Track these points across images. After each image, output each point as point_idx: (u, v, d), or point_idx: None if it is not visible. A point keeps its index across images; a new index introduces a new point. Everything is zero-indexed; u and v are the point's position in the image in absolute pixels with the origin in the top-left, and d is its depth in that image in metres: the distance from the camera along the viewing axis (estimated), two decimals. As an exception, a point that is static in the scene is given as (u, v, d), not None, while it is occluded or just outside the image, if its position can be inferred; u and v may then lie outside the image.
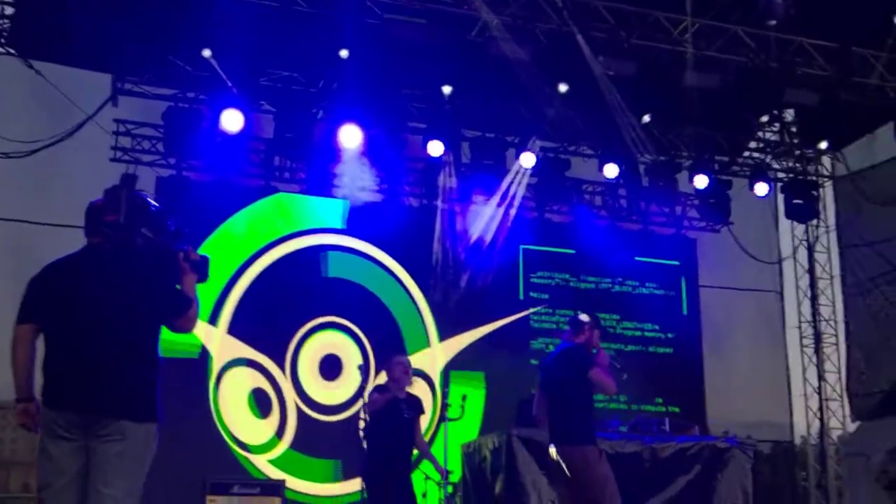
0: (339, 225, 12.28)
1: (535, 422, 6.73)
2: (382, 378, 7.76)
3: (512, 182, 12.61)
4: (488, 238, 12.69)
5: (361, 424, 9.18)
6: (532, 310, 12.98)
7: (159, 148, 11.74)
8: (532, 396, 7.48)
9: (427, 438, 11.78)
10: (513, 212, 12.80)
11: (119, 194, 4.01)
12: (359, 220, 12.35)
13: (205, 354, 11.36)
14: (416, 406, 7.35)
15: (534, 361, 12.69)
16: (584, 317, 6.66)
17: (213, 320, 11.43)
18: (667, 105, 11.24)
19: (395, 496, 7.05)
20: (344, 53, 9.68)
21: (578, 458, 6.13)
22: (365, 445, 7.24)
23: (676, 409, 12.84)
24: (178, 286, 4.15)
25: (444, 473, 7.37)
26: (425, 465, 11.09)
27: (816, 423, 14.42)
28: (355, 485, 9.86)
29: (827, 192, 14.49)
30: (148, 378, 3.96)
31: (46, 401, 3.87)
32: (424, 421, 7.55)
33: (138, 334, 3.97)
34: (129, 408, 3.84)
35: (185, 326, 4.15)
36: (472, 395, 11.77)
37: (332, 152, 11.45)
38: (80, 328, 3.88)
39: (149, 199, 4.16)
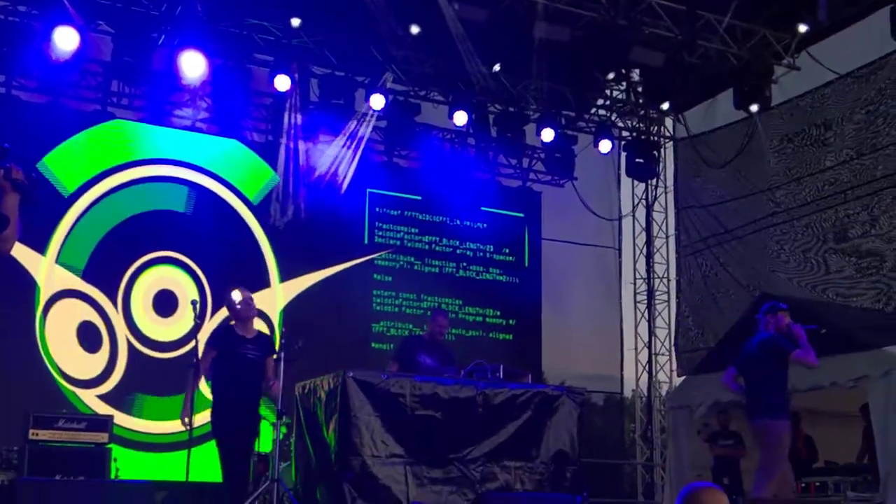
0: (178, 156, 11.88)
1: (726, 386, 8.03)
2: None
3: (360, 123, 12.50)
4: (334, 179, 12.56)
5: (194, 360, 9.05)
6: (376, 254, 12.96)
7: (-14, 64, 11.08)
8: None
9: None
10: (360, 154, 12.71)
11: None
12: (199, 153, 12.00)
13: (31, 284, 10.87)
14: (264, 346, 7.19)
15: (377, 307, 12.77)
16: (773, 306, 7.60)
17: (41, 249, 10.94)
18: (517, 56, 11.32)
19: (243, 433, 6.96)
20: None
21: (760, 428, 7.26)
22: (209, 384, 7.08)
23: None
24: None
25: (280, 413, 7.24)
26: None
27: (646, 377, 14.98)
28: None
29: (667, 153, 14.99)
30: None
31: None
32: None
33: None
34: None
35: (1, 247, 3.91)
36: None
37: (173, 80, 11.04)
38: None
39: None
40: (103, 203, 11.39)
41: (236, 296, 7.23)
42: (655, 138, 14.65)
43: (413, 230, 13.28)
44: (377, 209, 13.10)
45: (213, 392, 7.09)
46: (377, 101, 11.85)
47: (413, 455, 7.11)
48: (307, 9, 10.60)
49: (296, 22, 10.68)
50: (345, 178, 12.59)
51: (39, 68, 10.59)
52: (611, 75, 12.89)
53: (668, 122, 14.88)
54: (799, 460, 10.97)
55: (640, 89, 13.82)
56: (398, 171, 13.43)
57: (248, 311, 7.18)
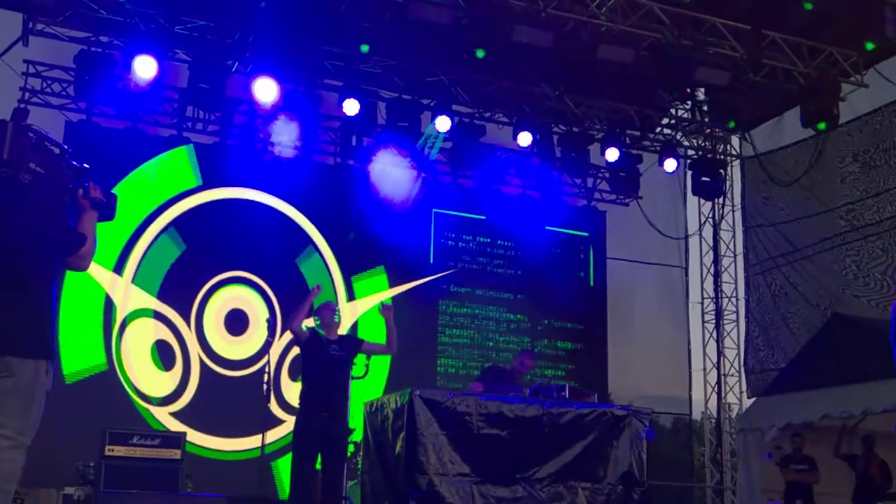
0: (250, 179, 12.17)
1: None
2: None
3: (426, 145, 12.67)
4: (401, 200, 12.75)
5: (265, 378, 9.31)
6: (442, 273, 13.08)
7: (70, 92, 11.52)
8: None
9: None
10: (426, 175, 12.86)
11: (4, 129, 3.87)
12: (271, 176, 12.27)
13: (109, 303, 11.22)
14: (348, 344, 7.56)
15: (443, 325, 12.88)
16: None
17: (117, 269, 11.29)
18: (581, 77, 11.37)
19: (331, 431, 7.17)
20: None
21: None
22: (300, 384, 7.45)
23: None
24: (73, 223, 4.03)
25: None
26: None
27: (715, 398, 14.79)
28: (256, 440, 9.93)
29: (734, 172, 14.88)
30: (37, 314, 3.83)
31: None
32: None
33: (24, 270, 3.82)
34: (14, 343, 3.71)
35: (79, 264, 4.02)
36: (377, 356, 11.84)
37: (247, 105, 11.35)
38: None
39: (44, 134, 4.02)
40: (177, 225, 11.71)
41: (331, 306, 7.77)
42: (721, 157, 14.54)
43: (478, 250, 13.38)
44: (443, 229, 13.24)
45: (300, 394, 7.34)
46: (443, 124, 12.00)
47: (479, 474, 7.15)
48: (375, 35, 10.81)
49: (364, 48, 10.90)
50: (411, 198, 12.79)
51: (119, 95, 10.99)
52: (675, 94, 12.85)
53: (735, 140, 14.77)
54: (873, 484, 10.76)
55: (705, 108, 13.74)
56: (463, 191, 13.52)
57: (332, 318, 7.55)
